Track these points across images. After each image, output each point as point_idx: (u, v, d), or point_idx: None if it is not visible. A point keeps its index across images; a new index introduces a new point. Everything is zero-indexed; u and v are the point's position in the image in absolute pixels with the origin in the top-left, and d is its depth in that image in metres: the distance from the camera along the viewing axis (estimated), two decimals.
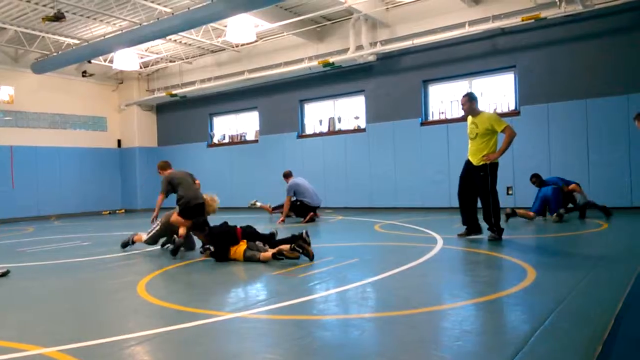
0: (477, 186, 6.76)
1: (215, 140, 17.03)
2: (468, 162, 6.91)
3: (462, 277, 4.62)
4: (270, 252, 5.65)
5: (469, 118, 6.93)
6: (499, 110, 11.77)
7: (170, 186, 6.62)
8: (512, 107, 11.62)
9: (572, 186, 9.40)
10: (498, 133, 6.71)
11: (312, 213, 10.74)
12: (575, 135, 10.57)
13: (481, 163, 6.67)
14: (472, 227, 7.03)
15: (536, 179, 9.77)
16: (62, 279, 5.43)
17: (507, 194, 10.86)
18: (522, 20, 10.66)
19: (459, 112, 12.34)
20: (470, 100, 6.89)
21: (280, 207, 11.33)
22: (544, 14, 10.45)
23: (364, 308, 3.87)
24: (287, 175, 11.36)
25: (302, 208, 10.77)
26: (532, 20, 10.59)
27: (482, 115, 6.80)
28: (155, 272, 5.35)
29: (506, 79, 11.81)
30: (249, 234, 6.01)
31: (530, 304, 3.61)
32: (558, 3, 10.20)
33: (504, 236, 6.71)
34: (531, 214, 9.08)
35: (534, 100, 11.06)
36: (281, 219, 10.48)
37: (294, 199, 10.71)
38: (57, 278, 5.47)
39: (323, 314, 3.62)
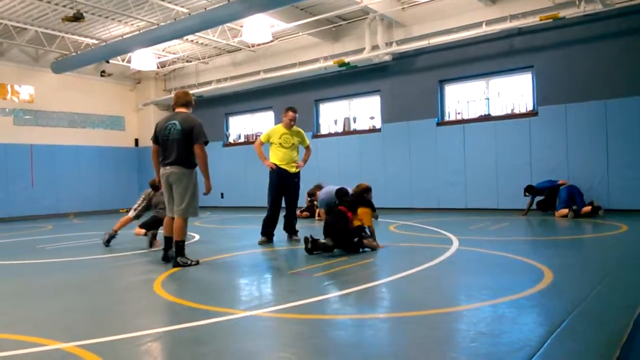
0: (291, 193, 7.45)
1: (230, 140, 17.14)
2: (282, 171, 7.34)
3: (477, 279, 4.59)
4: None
5: (282, 129, 7.49)
6: (516, 111, 11.68)
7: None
8: (530, 108, 11.50)
9: (561, 181, 10.26)
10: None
11: None
12: (594, 137, 10.41)
13: (297, 170, 7.46)
14: (271, 235, 7.43)
15: (529, 191, 10.40)
16: (81, 275, 5.50)
17: (525, 195, 10.74)
18: (540, 20, 10.53)
19: (475, 113, 12.27)
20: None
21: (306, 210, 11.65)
22: (562, 13, 10.31)
23: (378, 308, 3.86)
24: (313, 194, 11.03)
25: None
26: (550, 20, 10.45)
27: (296, 129, 7.57)
28: (172, 270, 5.40)
29: (524, 79, 11.68)
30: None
31: (547, 306, 3.58)
32: (577, 2, 10.06)
33: (516, 237, 6.62)
34: (565, 211, 9.59)
35: (552, 101, 10.92)
36: None
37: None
38: (75, 274, 5.54)
39: (337, 313, 3.62)
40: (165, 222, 5.90)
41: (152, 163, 5.93)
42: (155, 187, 7.49)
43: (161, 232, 6.29)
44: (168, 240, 5.87)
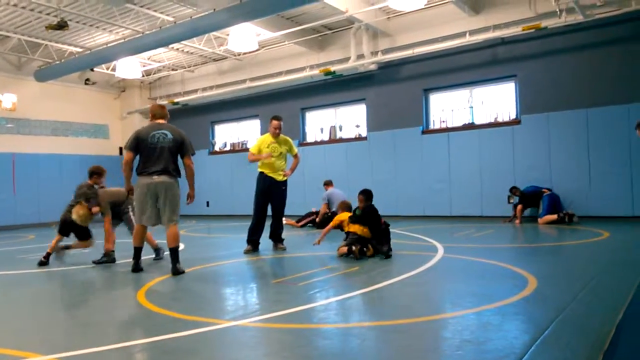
0: (277, 201, 7.46)
1: (216, 148, 17.08)
2: (269, 179, 7.37)
3: (462, 286, 4.61)
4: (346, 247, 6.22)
5: (269, 138, 7.45)
6: (499, 120, 11.81)
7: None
8: (513, 117, 11.64)
9: (544, 190, 10.41)
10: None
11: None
12: (576, 145, 10.57)
13: (285, 179, 7.46)
14: (257, 244, 7.41)
15: (517, 190, 10.54)
16: (62, 286, 5.42)
17: (509, 202, 10.84)
18: (523, 30, 10.71)
19: (460, 121, 12.38)
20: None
21: (305, 217, 11.45)
22: (544, 23, 10.49)
23: (364, 317, 3.86)
24: (327, 184, 11.63)
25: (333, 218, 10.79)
26: (533, 30, 10.64)
27: (284, 138, 7.56)
28: (156, 280, 5.34)
29: (507, 88, 11.84)
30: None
31: (531, 313, 3.60)
32: (559, 13, 10.25)
33: (500, 244, 6.70)
34: (555, 216, 9.81)
35: (535, 110, 11.08)
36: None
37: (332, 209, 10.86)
38: (57, 285, 5.46)
39: (323, 322, 3.61)
40: (138, 232, 5.81)
41: (124, 171, 5.71)
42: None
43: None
44: (139, 250, 5.85)
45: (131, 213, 6.67)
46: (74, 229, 6.76)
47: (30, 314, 4.16)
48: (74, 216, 6.57)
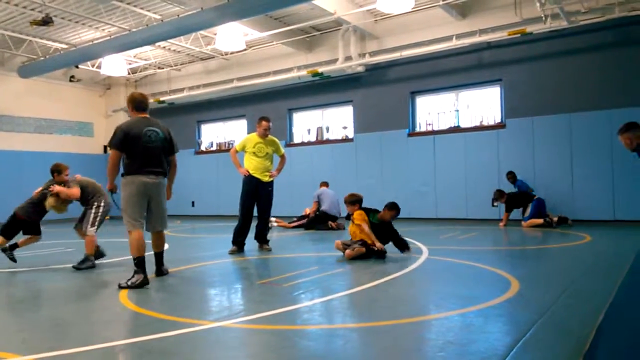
0: (263, 202, 7.38)
1: (202, 148, 16.98)
2: (255, 180, 7.32)
3: (446, 288, 4.64)
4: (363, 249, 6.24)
5: (256, 138, 7.46)
6: (484, 123, 11.92)
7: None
8: (498, 120, 11.75)
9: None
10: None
11: (330, 222, 10.82)
12: (559, 149, 10.71)
13: (271, 179, 7.42)
14: (242, 244, 7.39)
15: (511, 176, 10.67)
16: (44, 285, 5.35)
17: (492, 205, 10.93)
18: (508, 35, 10.82)
19: (446, 124, 12.47)
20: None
21: (300, 219, 11.37)
22: (529, 28, 10.62)
23: (348, 318, 3.87)
24: (322, 184, 11.85)
25: (322, 218, 10.89)
26: (518, 35, 10.75)
27: (271, 138, 7.56)
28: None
29: (492, 92, 11.95)
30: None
31: (513, 315, 3.64)
32: (544, 18, 10.37)
33: (484, 247, 6.76)
34: (541, 221, 9.86)
35: (520, 114, 11.20)
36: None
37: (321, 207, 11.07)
38: (38, 285, 5.39)
39: (307, 323, 3.61)
40: (139, 240, 5.04)
41: (111, 172, 5.20)
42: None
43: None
44: (143, 261, 5.02)
45: (93, 211, 6.53)
46: (22, 227, 6.65)
47: (10, 314, 4.09)
48: (48, 208, 6.62)
